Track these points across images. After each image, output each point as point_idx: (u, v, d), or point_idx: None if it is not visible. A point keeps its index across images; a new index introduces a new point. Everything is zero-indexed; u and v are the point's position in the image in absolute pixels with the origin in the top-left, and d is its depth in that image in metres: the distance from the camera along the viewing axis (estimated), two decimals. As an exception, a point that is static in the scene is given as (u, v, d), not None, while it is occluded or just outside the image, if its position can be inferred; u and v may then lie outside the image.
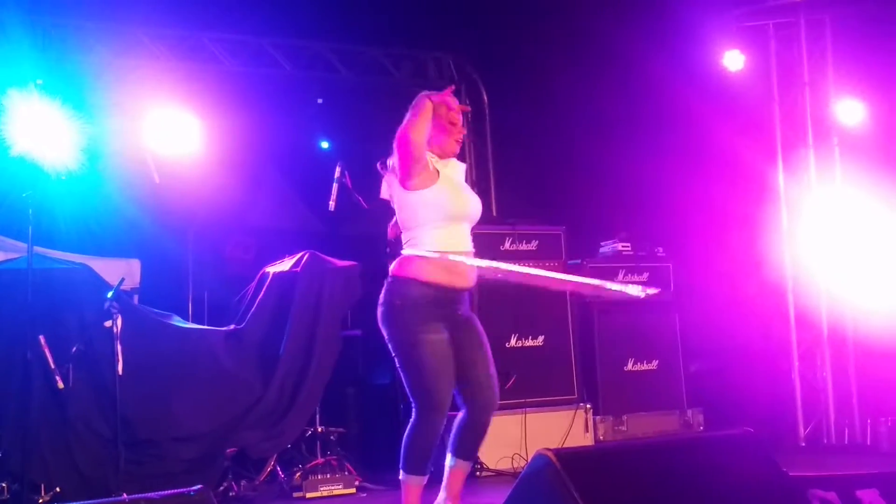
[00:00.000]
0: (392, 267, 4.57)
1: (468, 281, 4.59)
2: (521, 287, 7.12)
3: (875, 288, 7.78)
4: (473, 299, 4.81)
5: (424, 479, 4.54)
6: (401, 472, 4.53)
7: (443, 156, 4.64)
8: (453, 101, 4.66)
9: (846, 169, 8.12)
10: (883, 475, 4.56)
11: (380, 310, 4.57)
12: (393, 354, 4.58)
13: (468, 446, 4.61)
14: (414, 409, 4.52)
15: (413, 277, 4.47)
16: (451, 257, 4.47)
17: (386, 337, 4.58)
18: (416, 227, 4.53)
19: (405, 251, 4.55)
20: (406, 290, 4.48)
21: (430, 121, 4.48)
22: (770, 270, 8.25)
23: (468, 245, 4.61)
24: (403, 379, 4.55)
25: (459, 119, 4.69)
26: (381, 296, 4.57)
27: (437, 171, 4.54)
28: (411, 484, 4.51)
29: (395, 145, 4.47)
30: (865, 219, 7.89)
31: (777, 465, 4.15)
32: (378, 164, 4.71)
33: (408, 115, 4.49)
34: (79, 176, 6.45)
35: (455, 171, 4.66)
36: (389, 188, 4.65)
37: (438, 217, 4.49)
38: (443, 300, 4.50)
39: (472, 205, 4.65)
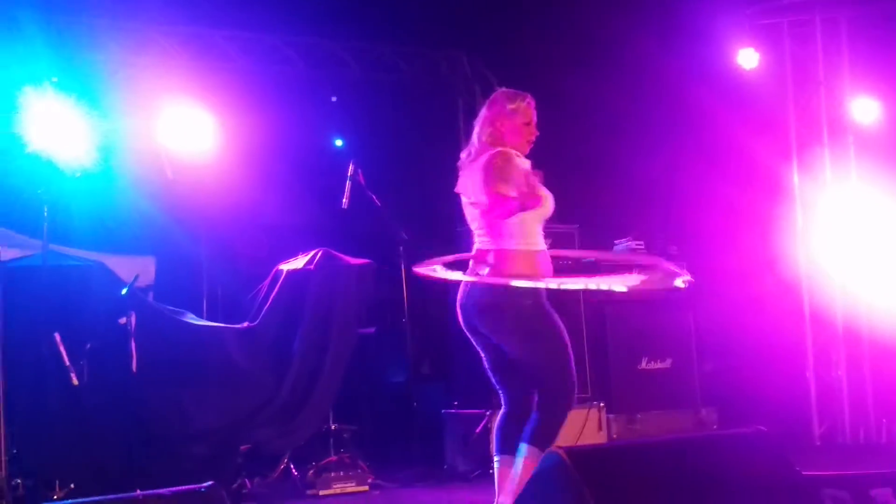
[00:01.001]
0: (502, 266, 4.49)
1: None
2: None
3: (891, 286, 7.76)
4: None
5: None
6: (530, 448, 4.45)
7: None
8: (529, 110, 4.67)
9: (861, 167, 8.09)
10: (898, 474, 4.54)
11: (501, 314, 4.52)
12: (528, 354, 4.58)
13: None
14: (551, 394, 4.54)
15: (527, 273, 4.47)
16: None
17: (520, 337, 4.57)
18: (505, 224, 4.48)
19: (497, 245, 4.52)
20: (527, 287, 4.47)
21: None
22: (785, 269, 8.22)
23: (543, 242, 4.64)
24: (540, 373, 4.57)
25: (534, 118, 4.68)
26: (497, 297, 4.49)
27: None
28: (534, 459, 4.39)
29: (493, 208, 4.42)
30: (881, 217, 7.87)
31: (790, 463, 4.13)
32: (459, 162, 4.70)
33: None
34: (93, 173, 6.46)
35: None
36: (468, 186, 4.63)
37: (528, 215, 4.45)
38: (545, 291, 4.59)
39: (551, 206, 4.62)
